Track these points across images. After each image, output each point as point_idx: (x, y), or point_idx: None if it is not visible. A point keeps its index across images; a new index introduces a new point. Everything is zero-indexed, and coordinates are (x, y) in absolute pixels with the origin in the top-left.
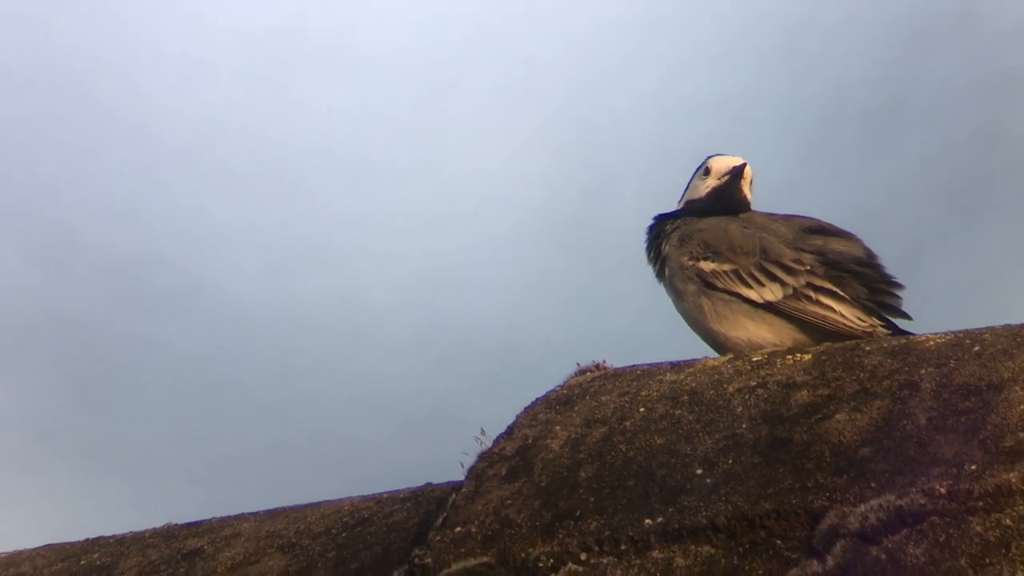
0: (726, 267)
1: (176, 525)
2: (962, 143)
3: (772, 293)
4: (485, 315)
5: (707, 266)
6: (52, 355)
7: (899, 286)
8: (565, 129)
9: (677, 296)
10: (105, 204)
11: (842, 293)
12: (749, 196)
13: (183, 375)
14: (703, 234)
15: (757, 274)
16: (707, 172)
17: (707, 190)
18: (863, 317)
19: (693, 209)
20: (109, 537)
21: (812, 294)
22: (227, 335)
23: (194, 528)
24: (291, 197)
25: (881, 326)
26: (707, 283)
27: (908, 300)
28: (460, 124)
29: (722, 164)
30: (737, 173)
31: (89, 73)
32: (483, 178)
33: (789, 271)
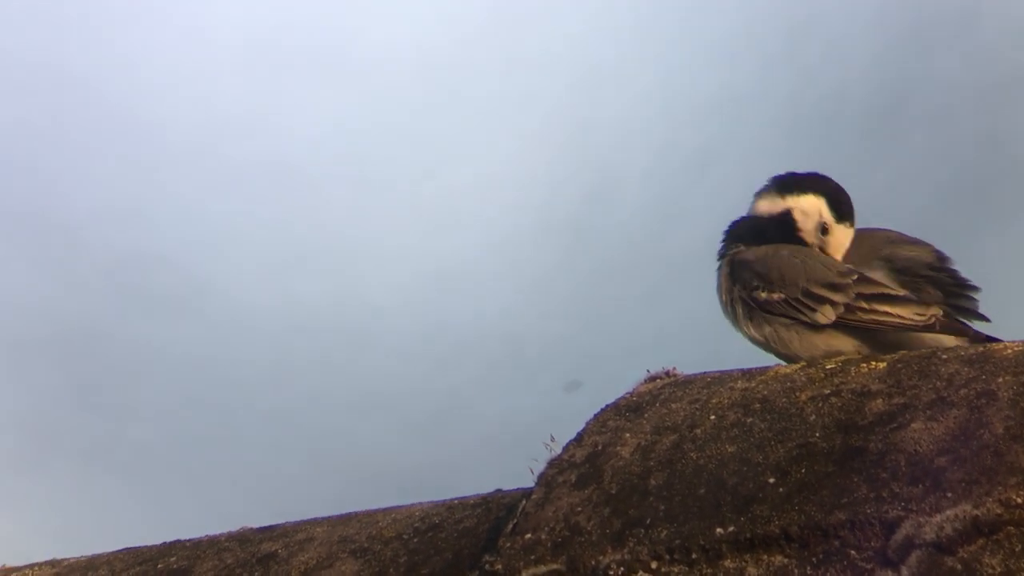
0: (775, 296)
1: (251, 529)
2: (964, 144)
3: (825, 315)
4: (486, 315)
5: (760, 296)
6: (54, 356)
7: (974, 288)
8: (566, 130)
9: (737, 321)
10: (107, 205)
11: (893, 292)
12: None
13: (186, 376)
14: (754, 264)
15: (807, 300)
16: (824, 230)
17: (804, 234)
18: (920, 311)
19: (761, 228)
20: (186, 541)
21: (865, 304)
22: (230, 336)
23: (268, 532)
24: (294, 198)
25: (943, 315)
26: (765, 310)
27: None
28: (461, 124)
29: (812, 219)
30: (823, 231)
31: (91, 74)
32: (484, 178)
33: (837, 288)
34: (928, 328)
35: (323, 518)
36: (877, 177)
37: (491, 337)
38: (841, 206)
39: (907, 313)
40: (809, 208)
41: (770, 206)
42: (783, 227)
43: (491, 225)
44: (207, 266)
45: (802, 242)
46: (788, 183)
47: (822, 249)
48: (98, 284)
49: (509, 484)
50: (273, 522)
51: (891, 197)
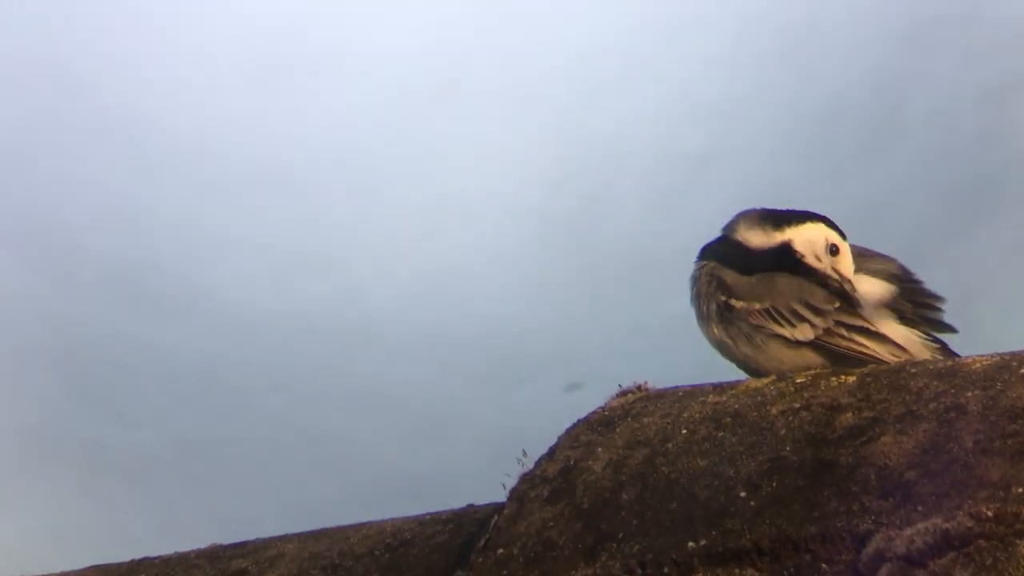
0: (756, 306)
1: (221, 546)
2: (963, 145)
3: (803, 333)
4: (485, 316)
5: (739, 304)
6: (52, 360)
7: (941, 299)
8: (565, 130)
9: (711, 331)
10: (105, 208)
11: (874, 329)
12: None
13: (185, 379)
14: (736, 288)
15: (788, 315)
16: (834, 251)
17: (810, 260)
18: (897, 353)
19: (751, 258)
20: (155, 558)
21: (844, 332)
22: (228, 338)
23: (239, 549)
24: (292, 200)
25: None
26: (743, 319)
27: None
28: (460, 127)
29: (820, 244)
30: (834, 251)
31: (88, 77)
32: (483, 179)
33: (817, 312)
34: None
35: (294, 534)
36: (876, 178)
37: (491, 338)
38: (839, 228)
39: (883, 352)
40: (814, 235)
41: (765, 239)
42: (782, 257)
43: (490, 226)
44: (205, 269)
45: (803, 271)
46: (782, 216)
47: (836, 270)
48: (96, 287)
49: (509, 484)
50: (276, 529)
51: (890, 198)
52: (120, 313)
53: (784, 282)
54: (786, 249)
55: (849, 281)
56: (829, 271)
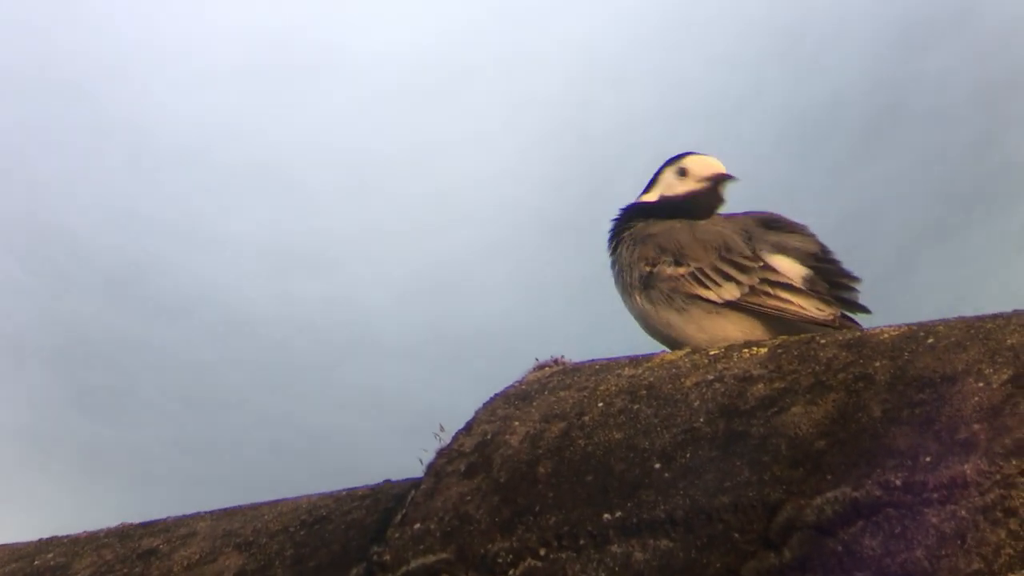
0: (681, 270)
1: (131, 524)
2: (961, 144)
3: (729, 292)
4: (484, 316)
5: (663, 270)
6: (51, 360)
7: (856, 279)
8: (565, 130)
9: (634, 300)
10: (104, 208)
11: (798, 285)
12: (725, 202)
13: (182, 380)
14: (659, 238)
15: (712, 275)
16: (683, 173)
17: (684, 191)
18: (822, 307)
19: (663, 207)
20: (63, 537)
21: (769, 289)
22: (226, 339)
23: (149, 528)
24: (290, 201)
25: (842, 315)
26: (665, 286)
27: (866, 294)
28: (459, 127)
29: (703, 168)
30: (720, 181)
31: (88, 77)
32: (482, 178)
33: (743, 269)
34: (828, 324)
35: (206, 512)
36: (874, 177)
37: (490, 338)
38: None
39: (809, 306)
40: (704, 161)
41: (666, 187)
42: (685, 190)
43: (490, 225)
44: (204, 269)
45: (695, 198)
46: (675, 157)
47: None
48: (96, 287)
49: (426, 459)
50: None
51: (889, 197)
52: (120, 313)
53: (706, 233)
54: (682, 173)
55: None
56: (721, 226)
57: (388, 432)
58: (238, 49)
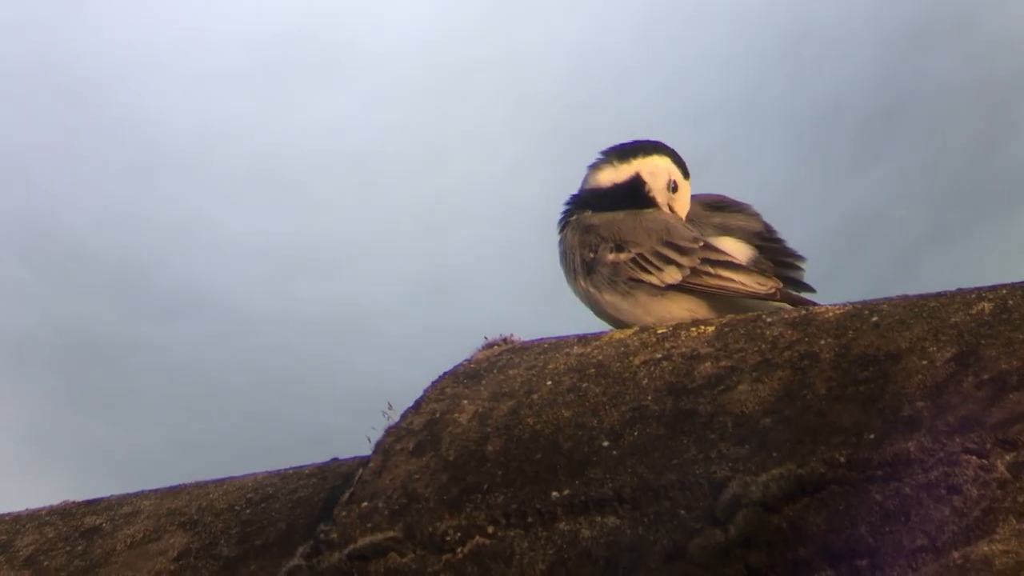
0: (623, 256)
1: (73, 503)
2: (961, 147)
3: (671, 276)
4: (485, 317)
5: (605, 256)
6: (52, 360)
7: (801, 258)
8: (565, 130)
9: (578, 284)
10: (105, 209)
11: (738, 261)
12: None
13: (183, 381)
14: (601, 227)
15: (653, 260)
16: (675, 189)
17: (655, 193)
18: (763, 281)
19: (612, 194)
20: (4, 514)
21: (710, 269)
22: (228, 340)
23: (92, 506)
24: (291, 202)
25: (783, 288)
26: (607, 271)
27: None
28: (461, 128)
29: (662, 178)
30: (674, 188)
31: (89, 77)
32: (483, 179)
33: (683, 251)
34: (769, 297)
35: (151, 491)
36: (875, 179)
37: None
38: (684, 165)
39: (750, 281)
40: (658, 168)
41: (614, 175)
42: (632, 190)
43: (491, 226)
44: (205, 269)
45: (651, 204)
46: (630, 149)
47: (671, 207)
48: (96, 288)
49: (374, 438)
50: None
51: (889, 198)
52: (120, 313)
53: (648, 221)
54: (636, 180)
55: (681, 220)
56: (665, 208)
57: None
58: (239, 50)
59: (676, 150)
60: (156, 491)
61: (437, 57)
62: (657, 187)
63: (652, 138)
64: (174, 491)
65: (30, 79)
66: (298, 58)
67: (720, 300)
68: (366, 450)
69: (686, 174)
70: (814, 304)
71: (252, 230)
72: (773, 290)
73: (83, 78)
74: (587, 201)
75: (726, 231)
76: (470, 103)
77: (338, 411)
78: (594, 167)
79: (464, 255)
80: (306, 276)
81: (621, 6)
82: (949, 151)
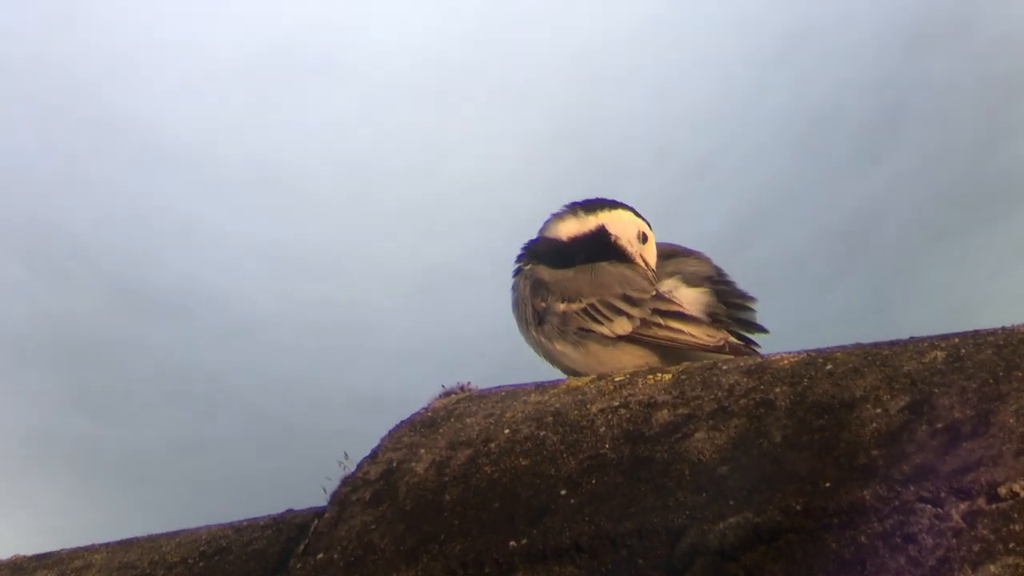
0: (574, 306)
1: (24, 557)
2: (962, 147)
3: (621, 327)
4: (485, 318)
5: (559, 307)
6: (51, 361)
7: (752, 299)
8: (565, 131)
9: (529, 333)
10: (105, 209)
11: (688, 313)
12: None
13: (183, 380)
14: (555, 282)
15: (604, 310)
16: (644, 240)
17: (624, 243)
18: (712, 332)
19: (568, 248)
20: None
21: (660, 320)
22: (227, 341)
23: (43, 560)
24: (292, 203)
25: (732, 339)
26: (556, 320)
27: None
28: (460, 125)
29: (631, 230)
30: (643, 239)
31: (89, 77)
32: (483, 180)
33: (634, 303)
34: (718, 349)
35: (102, 544)
36: (876, 179)
37: (490, 340)
38: (645, 218)
39: (699, 333)
40: (625, 221)
41: (577, 226)
42: (596, 242)
43: (490, 227)
44: (205, 270)
45: (616, 254)
46: (596, 203)
47: (642, 257)
48: (96, 288)
49: (329, 488)
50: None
51: (889, 199)
52: (120, 313)
53: (604, 273)
54: (601, 232)
55: (653, 270)
56: (638, 258)
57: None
58: (240, 51)
59: (633, 207)
60: (107, 544)
61: (435, 60)
62: (627, 237)
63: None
64: (125, 545)
65: (31, 80)
66: (297, 60)
67: (671, 351)
68: (322, 500)
69: (650, 226)
70: (761, 355)
71: (251, 231)
72: (722, 342)
73: (83, 80)
74: (542, 251)
75: (678, 276)
76: (468, 105)
77: (339, 412)
78: (557, 216)
79: (463, 257)
80: (306, 277)
81: (621, 8)
82: (949, 151)
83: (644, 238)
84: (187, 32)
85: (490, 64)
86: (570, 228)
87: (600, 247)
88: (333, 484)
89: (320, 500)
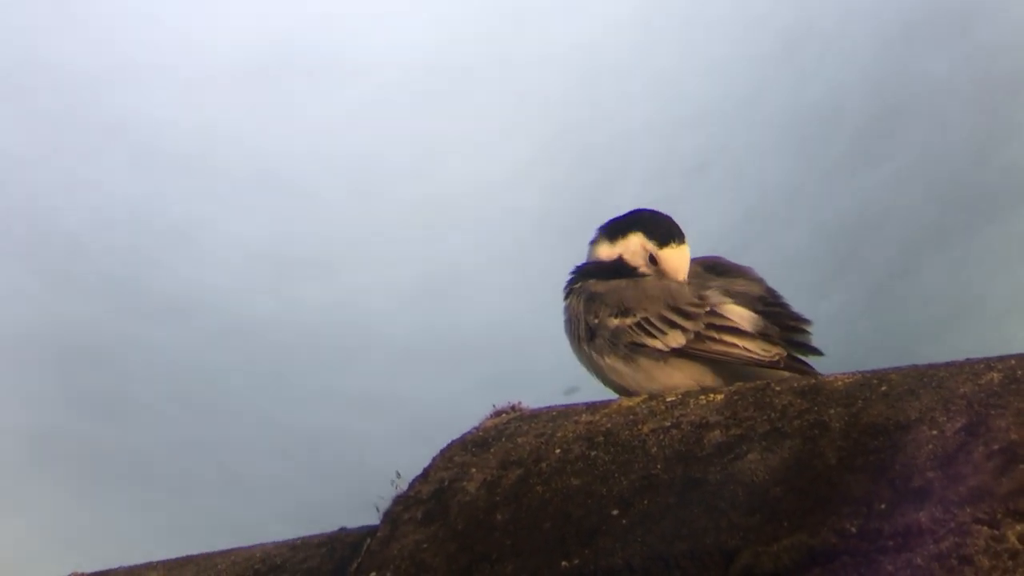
0: (628, 321)
1: (82, 574)
2: (962, 147)
3: (675, 339)
4: (485, 320)
5: (612, 322)
6: (51, 362)
7: (807, 321)
8: (565, 132)
9: (581, 350)
10: (104, 210)
11: (743, 327)
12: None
13: (184, 381)
14: (605, 295)
15: (658, 323)
16: (653, 261)
17: (642, 270)
18: (767, 347)
19: (616, 268)
20: None
21: (715, 334)
22: (227, 342)
23: None
24: (292, 204)
25: (788, 355)
26: (608, 335)
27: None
28: (460, 128)
29: (672, 267)
30: (652, 260)
31: (89, 78)
32: (483, 181)
33: (688, 316)
34: (773, 365)
35: (159, 562)
36: (875, 179)
37: (490, 342)
38: (658, 233)
39: (754, 348)
40: (634, 247)
41: (608, 252)
42: (623, 270)
43: (490, 228)
44: (205, 271)
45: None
46: (613, 230)
47: (660, 276)
48: (96, 288)
49: (382, 507)
50: (278, 532)
51: (889, 199)
52: (120, 314)
53: (651, 287)
54: (621, 262)
55: (680, 281)
56: (663, 281)
57: (390, 436)
58: (240, 51)
59: (655, 218)
60: (164, 562)
61: (435, 60)
62: (640, 264)
63: (638, 208)
64: (181, 562)
65: (30, 81)
66: (297, 60)
67: (724, 367)
68: (374, 519)
69: (662, 242)
70: (818, 373)
71: (252, 232)
72: (778, 357)
73: (82, 80)
74: (591, 271)
75: (728, 295)
76: (471, 106)
77: (339, 413)
78: (594, 243)
79: (463, 258)
80: (306, 278)
81: (620, 8)
82: (949, 151)
83: (652, 259)
84: (187, 32)
85: (490, 64)
86: (605, 252)
87: (627, 274)
88: (385, 503)
89: (373, 519)
